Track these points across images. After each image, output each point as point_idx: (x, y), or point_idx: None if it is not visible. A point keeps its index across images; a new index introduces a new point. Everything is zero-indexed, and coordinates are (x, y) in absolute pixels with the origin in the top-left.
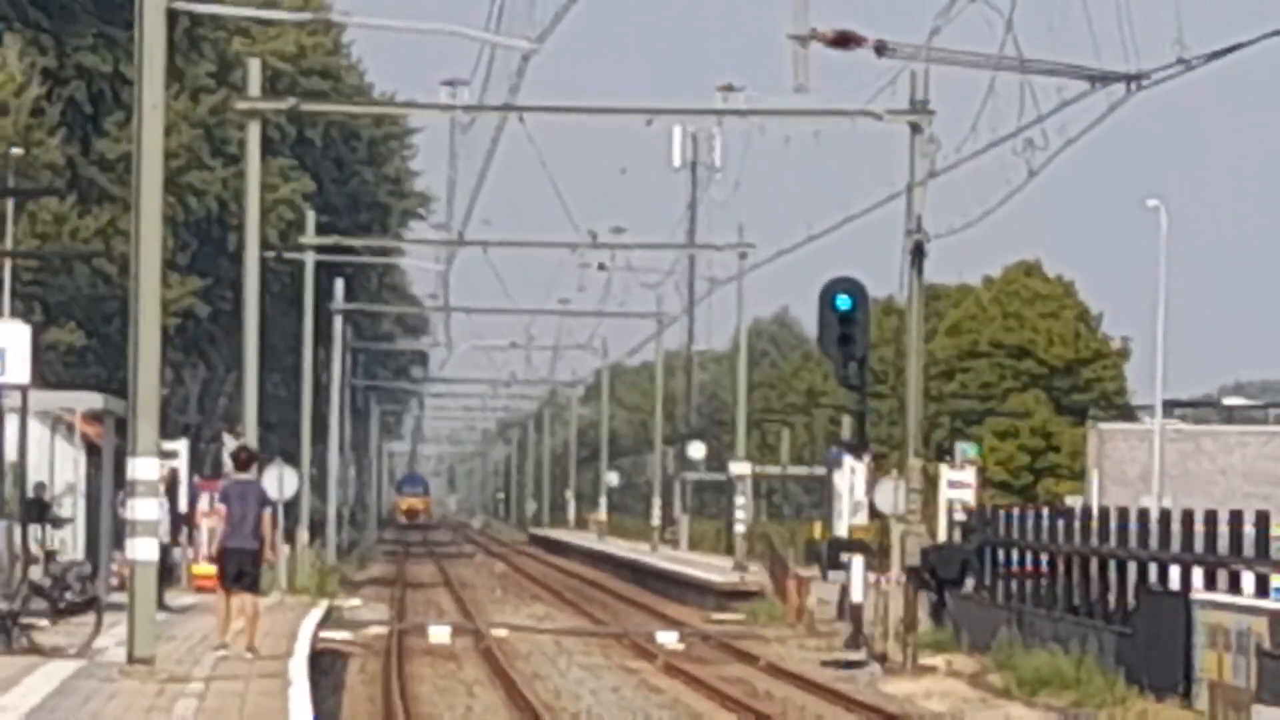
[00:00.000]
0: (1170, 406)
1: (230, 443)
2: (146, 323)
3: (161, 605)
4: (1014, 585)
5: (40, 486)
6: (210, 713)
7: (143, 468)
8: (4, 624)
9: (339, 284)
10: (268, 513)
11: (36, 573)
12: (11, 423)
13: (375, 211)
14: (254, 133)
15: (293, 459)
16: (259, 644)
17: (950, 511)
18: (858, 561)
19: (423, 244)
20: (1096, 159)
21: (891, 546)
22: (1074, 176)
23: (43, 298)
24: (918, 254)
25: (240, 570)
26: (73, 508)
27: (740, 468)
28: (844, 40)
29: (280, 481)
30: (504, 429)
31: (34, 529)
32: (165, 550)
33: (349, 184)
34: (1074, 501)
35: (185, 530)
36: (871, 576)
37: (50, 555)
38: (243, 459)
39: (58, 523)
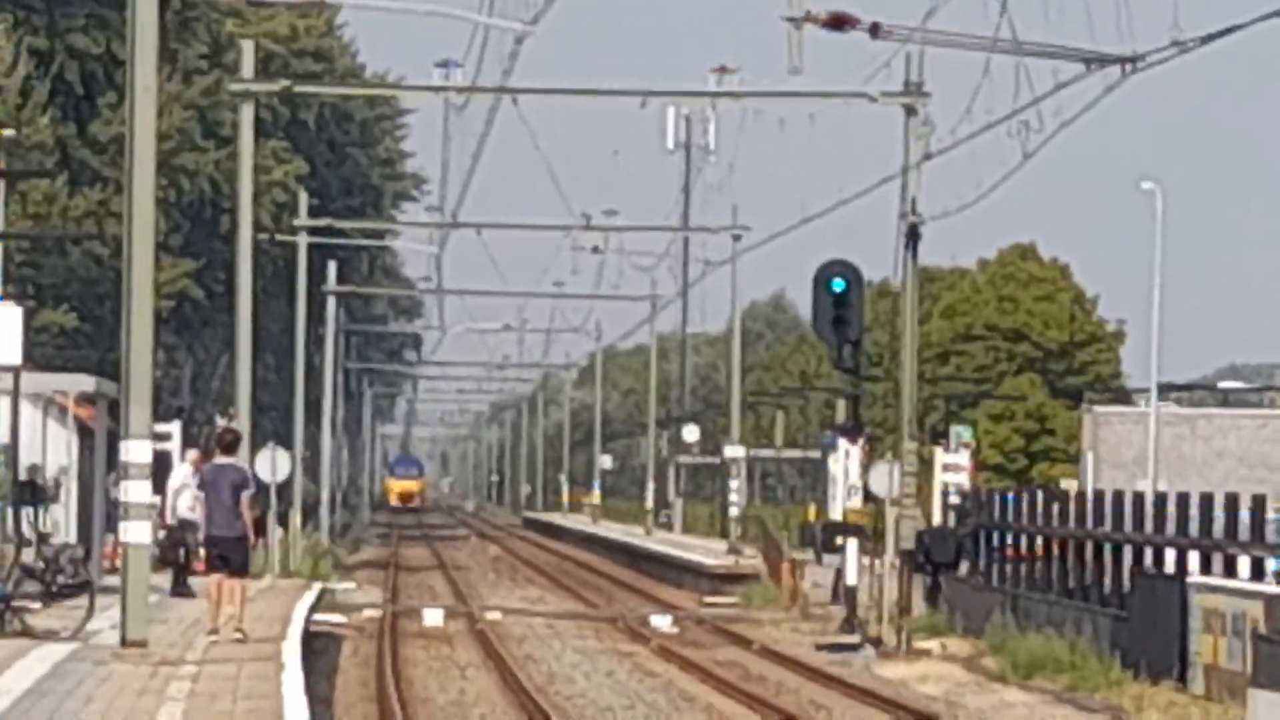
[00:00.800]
0: (1166, 390)
1: (220, 425)
2: (139, 305)
3: (179, 586)
4: (1009, 568)
5: (34, 469)
6: (203, 696)
7: (135, 450)
8: None
9: (332, 266)
10: (245, 495)
11: (29, 555)
12: (3, 405)
13: (368, 194)
14: (247, 115)
15: (285, 441)
16: (248, 627)
17: (945, 495)
18: (852, 545)
19: (416, 226)
20: (1092, 141)
21: (886, 530)
22: (1069, 159)
23: (35, 279)
24: (912, 236)
25: (223, 556)
26: (66, 490)
27: (734, 451)
28: (839, 22)
29: (273, 464)
30: (497, 412)
31: (26, 511)
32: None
33: (342, 166)
34: (1069, 485)
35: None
36: (866, 560)
37: (43, 538)
38: (226, 441)
39: (44, 499)
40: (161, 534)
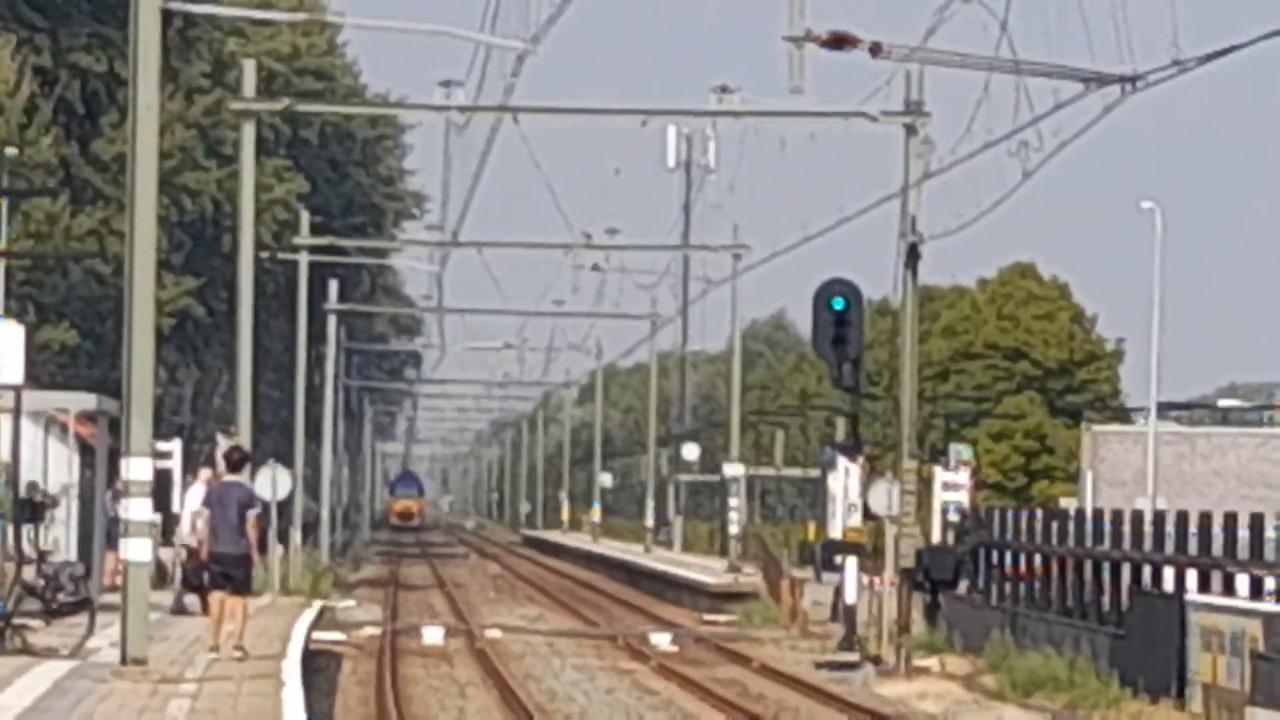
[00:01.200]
0: (1165, 408)
1: (224, 444)
2: (140, 323)
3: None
4: (1008, 587)
5: (33, 486)
6: (203, 714)
7: (136, 468)
8: None
9: (333, 285)
10: (251, 514)
11: (30, 573)
12: (4, 423)
13: (369, 212)
14: (248, 133)
15: (286, 459)
16: (249, 645)
17: (944, 513)
18: (851, 563)
19: (417, 244)
20: (1092, 161)
21: (885, 548)
22: (1069, 178)
23: (36, 298)
24: (912, 255)
25: (226, 574)
26: (66, 506)
27: (734, 469)
28: (839, 41)
29: (274, 482)
30: (498, 430)
31: (26, 529)
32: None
33: (343, 185)
34: (1068, 503)
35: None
36: (865, 578)
37: (43, 556)
38: (234, 460)
39: (43, 516)
40: (183, 553)
